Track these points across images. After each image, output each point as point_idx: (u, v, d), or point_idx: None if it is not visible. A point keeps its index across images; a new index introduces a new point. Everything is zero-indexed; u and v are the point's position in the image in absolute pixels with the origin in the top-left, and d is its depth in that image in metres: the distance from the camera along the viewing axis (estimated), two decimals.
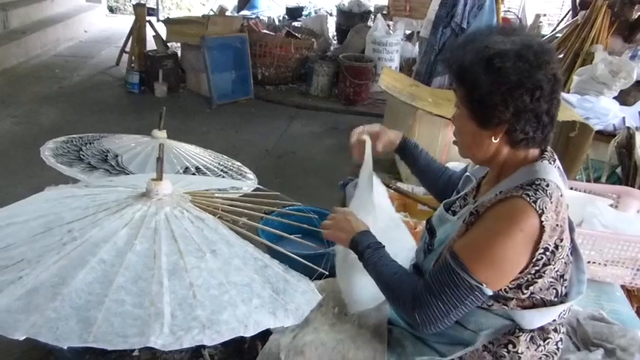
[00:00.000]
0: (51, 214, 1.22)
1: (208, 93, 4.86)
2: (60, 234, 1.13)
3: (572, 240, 1.15)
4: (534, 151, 1.11)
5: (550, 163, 1.10)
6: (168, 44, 5.31)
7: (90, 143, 2.13)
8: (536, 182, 1.04)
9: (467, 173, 1.32)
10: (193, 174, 1.96)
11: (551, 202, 1.02)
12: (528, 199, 1.01)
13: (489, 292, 1.05)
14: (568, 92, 3.41)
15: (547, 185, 1.04)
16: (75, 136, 2.20)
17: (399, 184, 2.20)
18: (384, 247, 1.21)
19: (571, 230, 1.14)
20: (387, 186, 2.18)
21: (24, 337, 0.92)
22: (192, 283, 1.06)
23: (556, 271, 1.08)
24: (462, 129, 1.13)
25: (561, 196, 1.06)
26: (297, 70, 5.50)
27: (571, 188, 2.00)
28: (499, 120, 1.05)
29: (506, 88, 1.01)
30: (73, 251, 1.08)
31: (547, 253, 1.04)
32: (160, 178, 1.29)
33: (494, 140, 1.08)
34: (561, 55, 4.27)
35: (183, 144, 2.23)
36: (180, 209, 1.26)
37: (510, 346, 1.13)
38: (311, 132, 4.44)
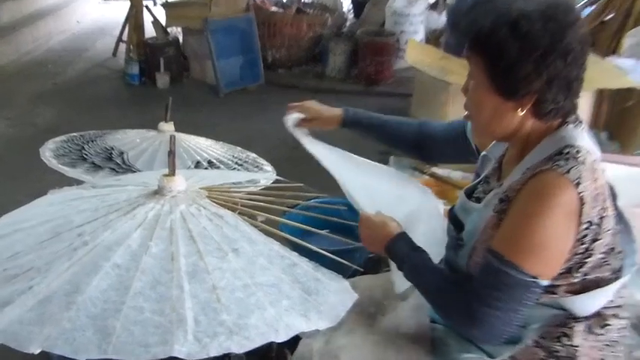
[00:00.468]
0: (59, 218, 1.24)
1: (215, 81, 4.89)
2: (69, 239, 1.15)
3: (617, 207, 1.12)
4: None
5: (576, 127, 1.09)
6: (169, 30, 5.35)
7: (92, 141, 2.16)
8: (565, 150, 1.04)
9: (484, 152, 1.30)
10: (206, 168, 1.98)
11: (587, 170, 1.01)
12: (560, 170, 1.00)
13: (545, 283, 1.03)
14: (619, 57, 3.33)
15: (577, 152, 1.03)
16: (75, 134, 2.24)
17: (434, 169, 2.19)
18: (420, 252, 1.20)
19: (613, 197, 1.12)
20: (421, 172, 2.17)
21: (39, 351, 0.94)
22: (214, 285, 1.07)
23: (605, 245, 1.06)
24: (479, 102, 1.11)
25: (595, 160, 1.05)
26: (310, 50, 5.50)
27: (629, 164, 1.96)
28: (528, 90, 1.03)
29: (539, 54, 1.00)
30: (84, 256, 1.10)
31: (592, 226, 1.02)
32: (172, 173, 1.30)
33: (520, 113, 1.07)
34: (610, 17, 4.17)
35: (192, 137, 2.25)
36: (197, 206, 1.27)
37: (564, 339, 1.11)
38: None
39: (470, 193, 1.27)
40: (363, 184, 1.40)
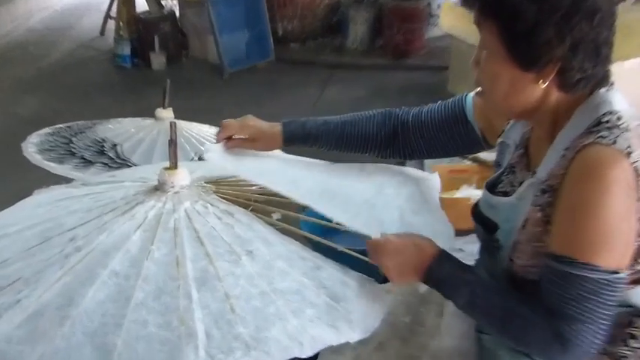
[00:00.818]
0: (47, 220, 1.25)
1: (218, 59, 4.92)
2: (60, 244, 1.16)
3: None
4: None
5: (608, 90, 1.09)
6: (163, 3, 5.38)
7: (81, 133, 2.20)
8: (604, 119, 1.05)
9: (500, 139, 1.30)
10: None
11: (634, 137, 1.02)
12: (605, 141, 1.01)
13: (625, 274, 1.03)
14: None
15: (618, 118, 1.04)
16: (62, 125, 2.28)
17: (477, 154, 2.17)
18: (473, 273, 1.16)
19: None
20: (462, 157, 2.16)
21: None
22: (227, 293, 1.07)
23: None
24: (493, 75, 1.11)
25: (638, 125, 1.06)
26: (327, 20, 5.49)
27: None
28: (550, 58, 1.03)
29: (560, 15, 1.00)
30: (78, 264, 1.11)
31: None
32: (174, 166, 1.31)
33: (541, 85, 1.07)
34: None
35: (194, 124, 2.27)
36: (203, 203, 1.28)
37: (632, 342, 1.11)
38: (352, 98, 4.43)
39: (493, 187, 1.26)
40: (329, 194, 1.36)
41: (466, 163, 2.19)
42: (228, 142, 1.43)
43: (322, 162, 1.51)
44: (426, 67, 4.84)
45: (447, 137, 1.41)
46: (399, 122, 1.44)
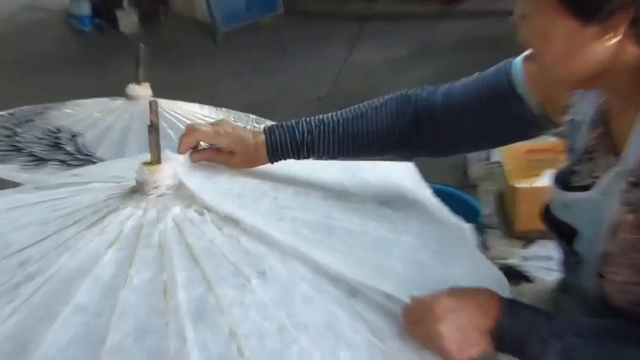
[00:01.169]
0: None
1: (208, 16, 4.93)
2: (8, 270, 1.16)
3: None
4: None
5: None
6: None
7: (28, 121, 2.22)
8: None
9: (569, 116, 1.29)
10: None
11: None
12: None
13: None
14: None
15: None
16: (2, 113, 2.30)
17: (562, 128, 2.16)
18: (561, 320, 1.13)
19: None
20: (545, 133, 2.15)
21: None
22: (233, 330, 1.07)
23: None
24: (544, 31, 1.09)
25: None
26: None
27: None
28: (616, 3, 1.00)
29: None
30: (32, 297, 1.11)
31: None
32: (156, 159, 1.30)
33: (609, 41, 1.05)
34: None
35: (180, 103, 2.29)
36: (198, 208, 1.28)
37: None
38: (389, 59, 4.43)
39: (564, 182, 1.25)
40: (325, 230, 1.34)
41: (549, 140, 2.16)
42: (196, 153, 1.43)
43: (326, 180, 1.51)
44: (486, 13, 4.81)
45: (491, 120, 1.40)
46: (422, 107, 1.43)
